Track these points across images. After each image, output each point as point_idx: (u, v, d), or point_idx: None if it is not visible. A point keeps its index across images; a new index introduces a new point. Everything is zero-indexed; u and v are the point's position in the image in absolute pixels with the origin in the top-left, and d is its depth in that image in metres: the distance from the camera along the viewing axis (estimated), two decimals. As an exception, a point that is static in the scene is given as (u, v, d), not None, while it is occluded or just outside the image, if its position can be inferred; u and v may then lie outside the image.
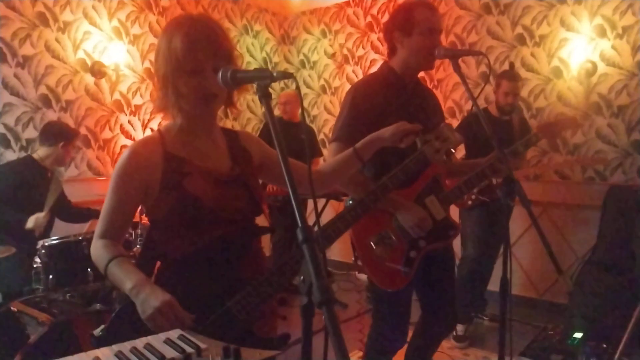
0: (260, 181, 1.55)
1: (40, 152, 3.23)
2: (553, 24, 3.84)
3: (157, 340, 1.10)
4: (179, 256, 1.33)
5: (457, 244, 3.52)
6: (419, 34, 1.92)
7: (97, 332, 1.30)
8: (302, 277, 0.85)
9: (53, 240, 2.78)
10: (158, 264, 1.40)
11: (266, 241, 4.47)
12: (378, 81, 2.04)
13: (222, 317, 1.28)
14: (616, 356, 2.35)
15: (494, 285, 2.91)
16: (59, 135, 3.23)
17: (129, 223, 1.39)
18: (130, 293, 1.23)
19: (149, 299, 1.19)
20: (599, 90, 3.69)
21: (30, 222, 2.92)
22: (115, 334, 1.30)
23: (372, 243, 1.95)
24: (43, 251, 2.72)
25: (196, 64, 1.26)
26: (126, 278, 1.25)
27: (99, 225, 1.35)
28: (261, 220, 1.45)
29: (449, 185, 2.09)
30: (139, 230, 3.13)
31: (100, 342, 1.29)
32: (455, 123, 3.79)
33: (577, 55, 3.74)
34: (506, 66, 3.98)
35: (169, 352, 1.04)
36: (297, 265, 1.34)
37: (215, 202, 1.31)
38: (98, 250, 1.32)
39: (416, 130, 1.58)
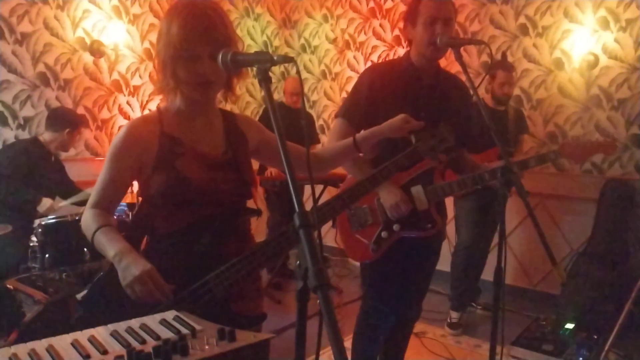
0: (259, 163, 1.56)
1: (45, 135, 3.25)
2: (556, 15, 3.81)
3: (152, 320, 1.11)
4: (165, 232, 1.36)
5: (452, 231, 3.57)
6: (422, 24, 1.94)
7: (79, 296, 1.34)
8: (298, 262, 0.86)
9: (50, 219, 2.79)
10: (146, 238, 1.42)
11: (262, 225, 4.48)
12: (391, 68, 2.10)
13: (198, 291, 1.29)
14: (606, 347, 2.38)
15: (488, 274, 2.93)
16: (65, 122, 3.25)
17: (121, 196, 1.42)
18: (113, 260, 1.25)
19: (130, 267, 1.21)
20: (599, 82, 3.67)
21: (44, 206, 2.93)
22: (96, 297, 1.34)
23: (349, 212, 2.08)
24: (39, 230, 2.73)
25: (192, 50, 1.27)
26: (110, 245, 1.27)
27: (92, 196, 1.37)
28: (253, 204, 1.46)
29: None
30: (136, 212, 3.14)
31: (82, 305, 1.34)
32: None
33: (579, 47, 3.72)
34: (507, 56, 3.96)
35: (164, 332, 1.05)
36: (279, 247, 1.35)
37: (205, 184, 1.33)
38: (88, 219, 1.35)
39: (416, 127, 1.61)
